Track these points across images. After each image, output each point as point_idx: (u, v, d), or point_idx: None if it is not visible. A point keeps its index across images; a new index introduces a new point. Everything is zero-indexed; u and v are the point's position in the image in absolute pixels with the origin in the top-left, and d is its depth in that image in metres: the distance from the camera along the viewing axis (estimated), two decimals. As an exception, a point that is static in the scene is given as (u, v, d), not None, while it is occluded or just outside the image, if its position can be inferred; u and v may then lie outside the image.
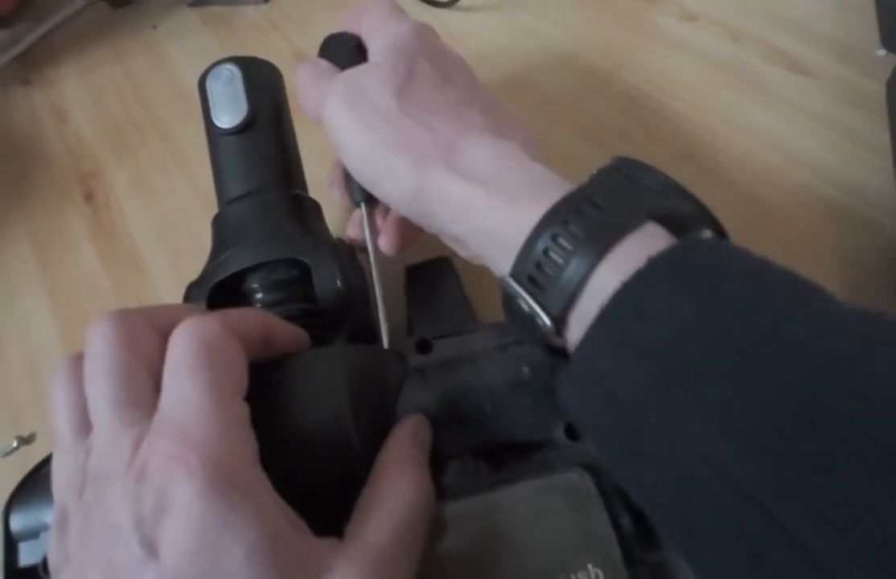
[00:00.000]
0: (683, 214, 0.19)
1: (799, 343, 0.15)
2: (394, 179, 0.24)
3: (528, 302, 0.19)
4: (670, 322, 0.16)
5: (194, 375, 0.18)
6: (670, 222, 0.19)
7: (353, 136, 0.24)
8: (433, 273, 0.31)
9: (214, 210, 0.41)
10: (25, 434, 0.34)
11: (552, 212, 0.19)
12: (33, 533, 0.25)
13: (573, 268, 0.18)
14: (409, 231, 0.29)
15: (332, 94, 0.25)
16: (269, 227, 0.27)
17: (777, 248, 0.33)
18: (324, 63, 0.28)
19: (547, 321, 0.19)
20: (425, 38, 0.27)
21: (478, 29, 0.49)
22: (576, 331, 0.19)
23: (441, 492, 0.21)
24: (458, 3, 0.50)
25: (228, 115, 0.29)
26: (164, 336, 0.20)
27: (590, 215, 0.19)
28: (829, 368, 0.14)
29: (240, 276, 0.27)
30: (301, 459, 0.20)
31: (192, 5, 0.54)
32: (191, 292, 0.27)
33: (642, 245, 0.18)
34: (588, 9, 0.47)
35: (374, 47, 0.27)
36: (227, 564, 0.15)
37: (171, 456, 0.16)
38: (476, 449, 0.23)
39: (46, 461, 0.27)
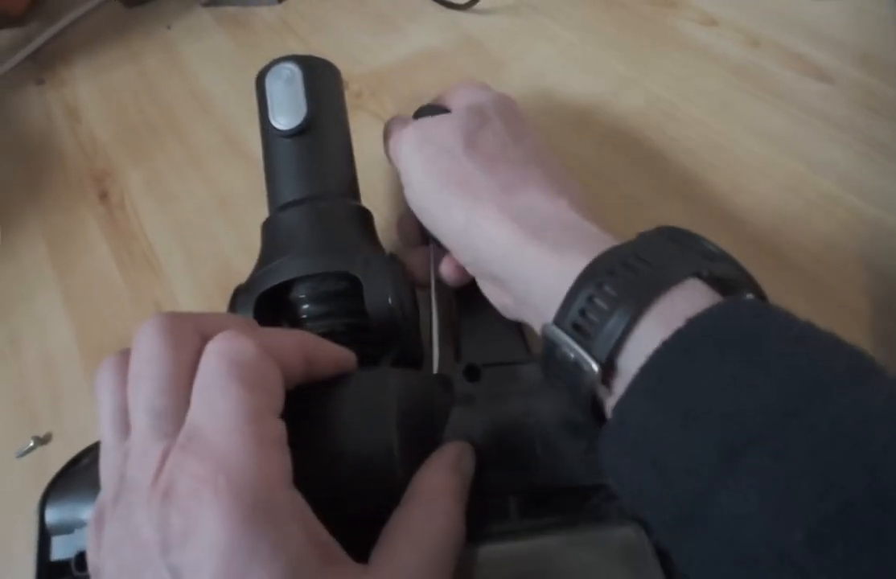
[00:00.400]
0: (726, 276, 0.20)
1: (854, 418, 0.14)
2: (447, 210, 0.25)
3: (574, 348, 0.19)
4: (718, 388, 0.16)
5: (226, 390, 0.17)
6: (713, 282, 0.19)
7: (417, 171, 0.27)
8: (484, 297, 0.29)
9: (230, 212, 0.41)
10: (41, 434, 0.34)
11: (598, 262, 0.20)
12: (67, 528, 0.25)
13: (618, 317, 0.18)
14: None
15: (406, 135, 0.28)
16: (321, 238, 0.27)
17: (800, 256, 0.33)
18: (411, 119, 0.31)
19: (594, 366, 0.19)
20: (503, 102, 0.30)
21: (496, 32, 0.48)
22: (622, 380, 0.19)
23: (482, 533, 0.20)
24: (476, 6, 0.50)
25: (286, 116, 0.29)
26: None
27: (635, 268, 0.19)
28: (890, 446, 0.14)
29: (288, 285, 0.26)
30: (341, 481, 0.20)
31: (206, 5, 0.54)
32: (237, 298, 0.27)
33: (686, 300, 0.18)
34: (607, 13, 0.47)
35: (455, 107, 0.31)
36: None
37: (199, 477, 0.16)
38: (523, 490, 0.22)
39: (82, 455, 0.27)
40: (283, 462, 0.17)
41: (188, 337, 0.19)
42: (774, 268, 0.33)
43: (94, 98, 0.50)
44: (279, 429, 0.18)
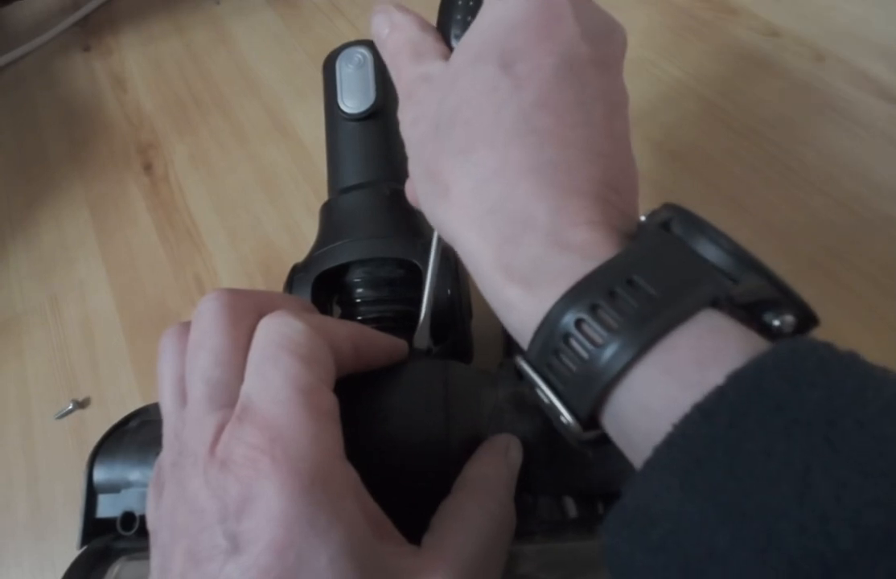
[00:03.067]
0: (756, 298, 0.15)
1: None
2: (429, 210, 0.20)
3: (548, 394, 0.16)
4: (786, 484, 0.11)
5: (277, 362, 0.17)
6: (738, 310, 0.15)
7: (410, 153, 0.21)
8: None
9: (273, 190, 0.41)
10: (80, 398, 0.34)
11: (577, 291, 0.15)
12: (114, 487, 0.25)
13: (608, 359, 0.14)
14: None
15: (410, 100, 0.21)
16: (382, 223, 0.27)
17: (855, 279, 0.32)
18: (427, 38, 0.22)
19: (570, 419, 0.16)
20: (541, 8, 0.19)
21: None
22: (615, 434, 0.16)
23: (529, 531, 0.20)
24: None
25: (355, 99, 0.28)
26: None
27: (626, 301, 0.15)
28: None
29: (345, 267, 0.26)
30: (394, 464, 0.20)
31: (256, -17, 0.54)
32: (295, 276, 0.27)
33: (703, 340, 0.14)
34: (665, 16, 0.46)
35: (475, 23, 0.21)
36: (310, 566, 0.15)
37: (257, 447, 0.16)
38: (571, 491, 0.22)
39: (129, 418, 0.27)
40: (336, 434, 0.17)
41: (246, 313, 0.19)
42: (828, 290, 0.32)
43: (140, 68, 0.50)
44: (332, 401, 0.18)
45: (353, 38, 0.48)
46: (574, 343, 0.15)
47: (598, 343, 0.15)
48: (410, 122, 0.21)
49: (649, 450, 0.13)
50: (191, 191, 0.42)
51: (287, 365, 0.17)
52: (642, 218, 0.17)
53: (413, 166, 0.21)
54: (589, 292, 0.15)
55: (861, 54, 0.40)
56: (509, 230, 0.17)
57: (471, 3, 0.23)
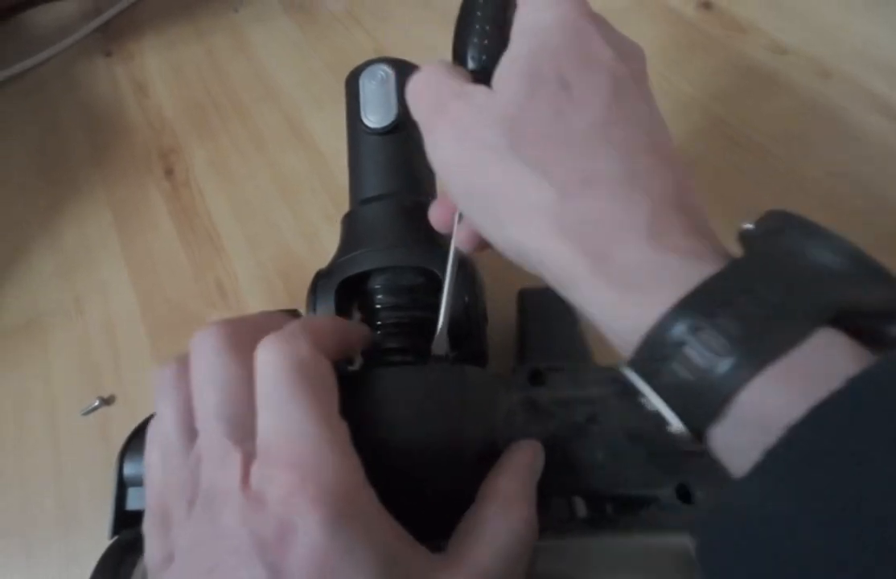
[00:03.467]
0: (875, 306, 0.15)
1: None
2: (498, 229, 0.20)
3: (654, 401, 0.16)
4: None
5: (294, 397, 0.18)
6: (856, 317, 0.15)
7: (456, 177, 0.21)
8: (549, 300, 0.30)
9: (291, 197, 0.42)
10: (105, 395, 0.35)
11: (692, 300, 0.15)
12: (142, 482, 0.26)
13: (721, 372, 0.14)
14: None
15: (439, 127, 0.21)
16: (402, 233, 0.28)
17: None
18: (449, 72, 0.23)
19: (681, 427, 0.16)
20: (575, 34, 0.20)
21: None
22: (720, 445, 0.16)
23: (541, 528, 0.21)
24: None
25: (377, 114, 0.30)
26: None
27: (746, 310, 0.14)
28: None
29: (366, 274, 0.27)
30: (410, 467, 0.21)
31: (274, -9, 0.55)
32: (318, 282, 0.28)
33: (822, 351, 0.14)
34: (675, 30, 0.47)
35: (515, 29, 0.22)
36: None
37: (289, 485, 0.17)
38: (582, 493, 0.23)
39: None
40: (355, 459, 0.18)
41: (245, 341, 0.20)
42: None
43: (161, 73, 0.52)
44: (345, 428, 0.19)
45: (369, 48, 0.49)
46: (689, 351, 0.15)
47: (717, 352, 0.14)
48: (452, 139, 0.20)
49: (758, 455, 0.13)
50: (211, 197, 0.43)
51: (302, 399, 0.18)
52: (748, 225, 0.18)
53: (458, 186, 0.21)
54: (707, 300, 0.15)
55: (867, 72, 0.41)
56: (605, 238, 0.17)
57: (487, 29, 0.24)
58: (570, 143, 0.19)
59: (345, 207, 0.31)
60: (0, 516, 0.32)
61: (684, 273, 0.16)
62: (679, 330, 0.15)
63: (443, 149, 0.21)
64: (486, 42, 0.24)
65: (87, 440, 0.34)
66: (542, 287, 0.31)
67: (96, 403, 0.35)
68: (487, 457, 0.22)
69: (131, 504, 0.26)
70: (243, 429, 0.18)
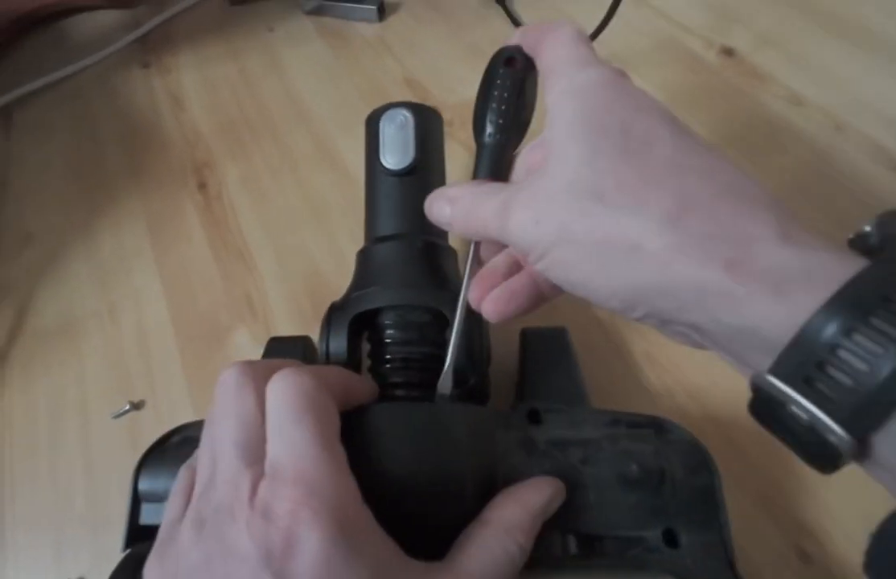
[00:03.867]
0: None
1: None
2: (605, 276, 0.20)
3: (812, 411, 0.15)
4: None
5: (299, 423, 0.20)
6: None
7: (555, 250, 0.21)
8: (549, 342, 0.31)
9: (321, 218, 0.43)
10: (136, 400, 0.36)
11: (841, 298, 0.15)
12: (156, 497, 0.28)
13: (885, 375, 0.14)
14: (526, 303, 0.25)
15: (515, 210, 0.22)
16: (413, 272, 0.29)
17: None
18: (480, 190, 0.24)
19: (844, 435, 0.15)
20: (618, 86, 0.22)
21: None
22: (887, 451, 0.15)
23: (535, 560, 0.23)
24: None
25: (395, 156, 0.31)
26: None
27: None
28: None
29: (377, 309, 0.29)
30: (410, 504, 0.22)
31: (308, 14, 0.57)
32: (333, 314, 0.29)
33: None
34: (696, 74, 0.49)
35: (553, 99, 0.23)
36: None
37: (295, 500, 0.18)
38: (572, 530, 0.25)
39: (174, 432, 0.29)
40: (353, 483, 0.20)
41: (259, 379, 0.22)
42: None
43: (197, 89, 0.53)
44: (343, 454, 0.21)
45: (399, 76, 0.51)
46: (845, 354, 0.15)
47: (877, 354, 0.14)
48: (532, 223, 0.21)
49: None
50: (243, 212, 0.44)
51: (307, 423, 0.20)
52: (866, 228, 0.18)
53: (553, 263, 0.21)
54: (858, 299, 0.15)
55: (879, 127, 0.42)
56: (736, 246, 0.17)
57: (505, 96, 0.27)
58: (653, 177, 0.19)
59: None
60: (31, 513, 0.33)
61: (827, 271, 0.16)
62: (831, 331, 0.15)
63: (530, 232, 0.21)
64: (503, 108, 0.26)
65: (116, 443, 0.35)
66: (543, 327, 0.32)
67: (126, 407, 0.36)
68: (485, 492, 0.24)
69: (146, 518, 0.28)
70: (254, 454, 0.21)
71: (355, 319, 0.29)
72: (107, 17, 0.62)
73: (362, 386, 0.25)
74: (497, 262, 0.26)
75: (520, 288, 0.25)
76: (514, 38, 0.27)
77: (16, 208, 0.47)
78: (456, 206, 0.25)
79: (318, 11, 0.56)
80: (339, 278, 0.40)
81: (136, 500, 0.28)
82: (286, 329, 0.38)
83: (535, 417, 0.27)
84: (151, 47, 0.58)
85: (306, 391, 0.21)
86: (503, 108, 0.26)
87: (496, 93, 0.27)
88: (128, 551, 0.26)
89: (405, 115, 0.32)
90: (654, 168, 0.19)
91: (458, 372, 0.28)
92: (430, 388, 0.27)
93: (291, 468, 0.19)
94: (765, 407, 0.17)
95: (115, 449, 0.35)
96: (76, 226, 0.46)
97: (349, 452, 0.21)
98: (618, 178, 0.20)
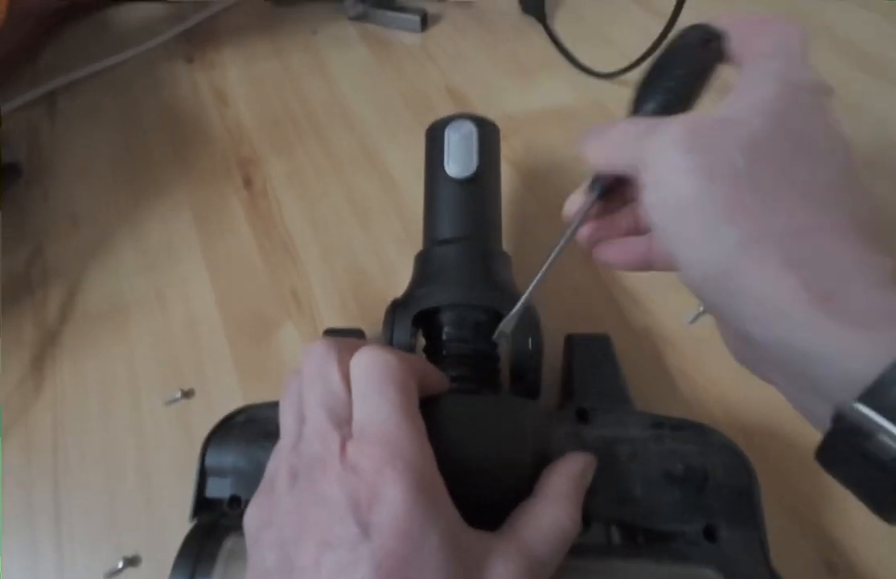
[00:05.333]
0: None
1: None
2: (709, 243, 0.20)
3: None
4: None
5: (384, 392, 0.22)
6: None
7: (680, 180, 0.21)
8: (594, 348, 0.33)
9: (365, 218, 0.45)
10: (186, 389, 0.38)
11: None
12: (221, 472, 0.29)
13: None
14: (635, 262, 0.27)
15: (668, 133, 0.22)
16: (473, 274, 0.31)
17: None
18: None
19: None
20: (822, 99, 0.22)
21: (625, 102, 0.52)
22: None
23: (582, 548, 0.24)
24: (620, 77, 0.51)
25: (459, 165, 0.33)
26: None
27: None
28: None
29: (437, 307, 0.31)
30: (473, 488, 0.24)
31: (352, 19, 0.58)
32: (396, 310, 0.31)
33: None
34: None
35: (758, 75, 0.23)
36: (426, 547, 0.19)
37: (381, 459, 0.20)
38: (618, 521, 0.26)
39: (239, 411, 0.31)
40: (430, 449, 0.22)
41: (342, 352, 0.24)
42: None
43: (241, 85, 0.55)
44: (423, 423, 0.22)
45: (441, 85, 0.53)
46: None
47: None
48: (687, 145, 0.21)
49: None
50: (287, 209, 0.46)
51: (390, 393, 0.22)
52: None
53: (679, 189, 0.21)
54: None
55: None
56: (834, 278, 0.18)
57: (686, 76, 0.26)
58: (806, 187, 0.20)
59: (414, 232, 0.34)
60: (86, 490, 0.35)
61: None
62: None
63: (669, 155, 0.21)
64: (670, 97, 0.26)
65: (167, 428, 0.36)
66: (588, 334, 0.34)
67: (178, 395, 0.37)
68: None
69: (210, 492, 0.29)
70: (340, 417, 0.22)
71: (416, 315, 0.31)
72: (151, 9, 0.63)
73: (437, 375, 0.26)
74: (618, 219, 0.28)
75: (635, 247, 0.27)
76: (720, 20, 0.26)
77: (63, 192, 0.49)
78: (617, 130, 0.25)
79: (361, 18, 0.57)
80: (382, 277, 0.41)
81: (203, 474, 0.29)
82: (332, 324, 0.39)
83: (583, 416, 0.29)
84: (196, 42, 0.60)
85: (390, 365, 0.23)
86: (678, 86, 0.26)
87: (678, 71, 0.26)
88: (195, 522, 0.28)
89: (470, 127, 0.34)
90: (811, 180, 0.20)
91: (515, 369, 0.30)
92: (483, 383, 0.29)
93: (376, 431, 0.21)
94: (845, 438, 0.17)
95: (167, 434, 0.36)
96: (122, 213, 0.47)
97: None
98: (776, 166, 0.20)
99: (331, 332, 0.35)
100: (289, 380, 0.25)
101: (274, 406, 0.26)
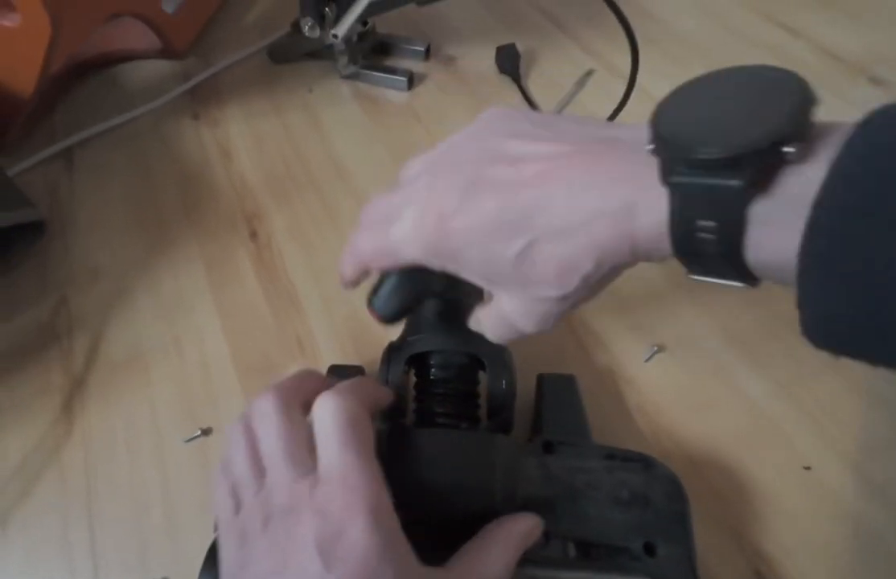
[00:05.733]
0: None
1: None
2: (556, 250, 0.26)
3: (708, 182, 0.21)
4: None
5: (347, 441, 0.27)
6: None
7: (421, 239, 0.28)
8: (561, 386, 0.39)
9: (360, 269, 0.50)
10: (204, 427, 0.42)
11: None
12: None
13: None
14: None
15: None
16: (457, 323, 0.36)
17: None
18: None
19: (737, 184, 0.20)
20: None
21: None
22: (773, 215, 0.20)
23: (542, 560, 0.30)
24: None
25: None
26: (308, 403, 0.29)
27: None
28: None
29: (428, 351, 0.37)
30: (445, 514, 0.30)
31: (344, 78, 0.63)
32: (392, 353, 0.37)
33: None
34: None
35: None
36: (382, 576, 0.24)
37: (346, 502, 0.25)
38: (572, 538, 0.32)
39: None
40: (386, 492, 0.26)
41: (296, 400, 0.29)
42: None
43: (244, 142, 0.60)
44: (378, 466, 0.27)
45: (426, 142, 0.58)
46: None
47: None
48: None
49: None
50: (290, 260, 0.51)
51: (352, 441, 0.27)
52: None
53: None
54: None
55: None
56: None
57: None
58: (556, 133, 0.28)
59: None
60: (117, 521, 0.39)
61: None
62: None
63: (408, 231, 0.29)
64: None
65: (188, 463, 0.41)
66: (556, 374, 0.40)
67: (198, 433, 0.42)
68: (509, 505, 0.31)
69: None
70: (304, 466, 0.27)
71: (409, 357, 0.36)
72: (156, 67, 0.68)
73: (383, 392, 0.32)
74: None
75: None
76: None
77: (82, 245, 0.53)
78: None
79: (353, 76, 0.63)
80: (377, 325, 0.46)
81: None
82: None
83: (549, 448, 0.34)
84: (200, 99, 0.65)
85: (349, 413, 0.28)
86: None
87: None
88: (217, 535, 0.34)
89: None
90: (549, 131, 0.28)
91: (491, 406, 0.36)
92: (464, 418, 0.35)
93: (342, 477, 0.25)
94: (682, 214, 0.22)
95: (188, 469, 0.41)
96: (138, 265, 0.51)
97: (403, 465, 0.29)
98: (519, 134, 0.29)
99: (335, 368, 0.40)
100: (234, 430, 0.29)
101: None
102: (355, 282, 0.34)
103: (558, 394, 0.39)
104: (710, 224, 0.21)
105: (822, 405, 0.39)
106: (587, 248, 0.25)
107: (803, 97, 0.21)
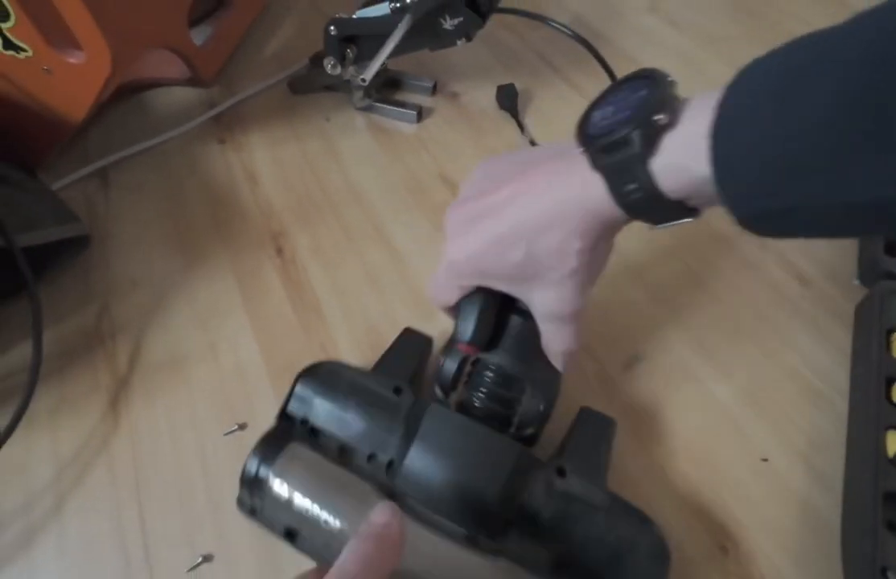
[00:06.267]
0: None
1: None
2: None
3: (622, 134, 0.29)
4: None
5: None
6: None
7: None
8: (598, 423, 0.41)
9: (376, 284, 0.56)
10: (240, 422, 0.48)
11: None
12: (301, 399, 0.42)
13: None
14: None
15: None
16: (529, 343, 0.40)
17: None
18: None
19: (638, 141, 0.28)
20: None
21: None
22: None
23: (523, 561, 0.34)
24: None
25: None
26: None
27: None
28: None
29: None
30: (455, 500, 0.35)
31: (358, 109, 0.69)
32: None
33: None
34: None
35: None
36: None
37: None
38: (558, 552, 0.35)
39: (321, 363, 0.44)
40: None
41: None
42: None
43: (268, 167, 0.65)
44: None
45: (434, 172, 0.64)
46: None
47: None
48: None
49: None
50: (314, 275, 0.56)
51: None
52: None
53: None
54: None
55: (793, 247, 0.57)
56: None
57: None
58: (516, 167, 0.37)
59: (419, 296, 0.50)
60: (163, 506, 0.44)
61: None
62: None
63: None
64: None
65: (227, 454, 0.46)
66: (600, 412, 0.42)
67: (235, 427, 0.47)
68: (504, 507, 0.36)
69: (291, 409, 0.42)
70: None
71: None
72: (182, 94, 0.74)
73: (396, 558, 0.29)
74: None
75: None
76: None
77: (121, 257, 0.58)
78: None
79: (367, 109, 0.69)
80: (392, 335, 0.52)
81: (290, 395, 0.42)
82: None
83: (561, 472, 0.36)
84: (226, 125, 0.70)
85: None
86: None
87: None
88: (275, 424, 0.41)
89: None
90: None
91: (524, 423, 0.40)
92: (498, 420, 0.39)
93: None
94: (615, 172, 0.30)
95: (226, 459, 0.46)
96: (174, 276, 0.57)
97: (432, 436, 0.36)
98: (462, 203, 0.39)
99: (407, 331, 0.48)
100: None
101: (347, 367, 0.42)
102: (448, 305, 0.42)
103: (593, 429, 0.41)
104: (634, 186, 0.29)
105: (778, 407, 0.46)
106: (569, 231, 0.33)
107: (664, 83, 0.30)
